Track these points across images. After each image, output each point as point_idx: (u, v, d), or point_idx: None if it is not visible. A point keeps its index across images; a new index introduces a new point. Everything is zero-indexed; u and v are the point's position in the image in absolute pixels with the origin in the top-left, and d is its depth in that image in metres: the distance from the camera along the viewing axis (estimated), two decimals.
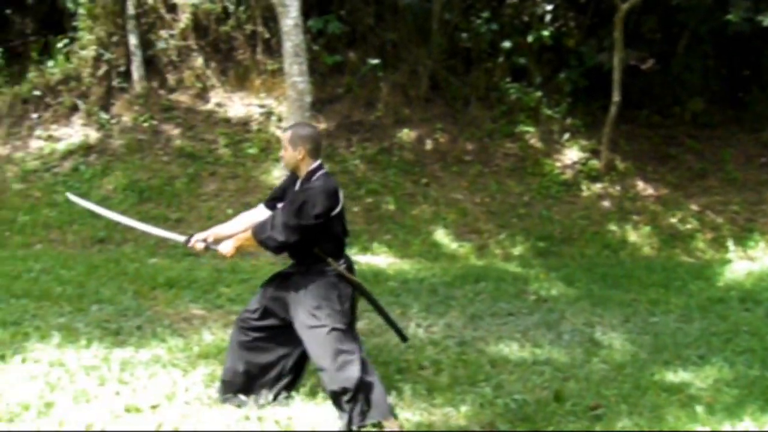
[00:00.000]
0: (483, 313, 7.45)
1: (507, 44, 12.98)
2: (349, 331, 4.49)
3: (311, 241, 4.47)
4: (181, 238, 4.98)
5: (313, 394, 4.91)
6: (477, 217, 11.13)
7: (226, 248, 4.64)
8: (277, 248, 4.49)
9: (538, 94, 13.13)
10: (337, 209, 4.51)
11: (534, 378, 5.56)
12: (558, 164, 12.46)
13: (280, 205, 4.61)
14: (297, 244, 4.47)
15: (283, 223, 4.39)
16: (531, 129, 12.83)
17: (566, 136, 12.84)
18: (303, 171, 4.58)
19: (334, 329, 4.39)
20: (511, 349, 6.27)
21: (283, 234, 4.39)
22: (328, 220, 4.47)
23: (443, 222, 10.89)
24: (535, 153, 12.57)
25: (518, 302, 7.99)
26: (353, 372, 4.32)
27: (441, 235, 10.62)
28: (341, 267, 4.56)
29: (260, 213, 4.81)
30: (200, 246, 4.83)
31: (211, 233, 4.89)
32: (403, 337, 5.05)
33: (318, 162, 4.60)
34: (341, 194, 4.57)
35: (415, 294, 8.05)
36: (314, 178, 4.53)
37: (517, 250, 10.52)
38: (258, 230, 4.51)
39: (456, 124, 12.75)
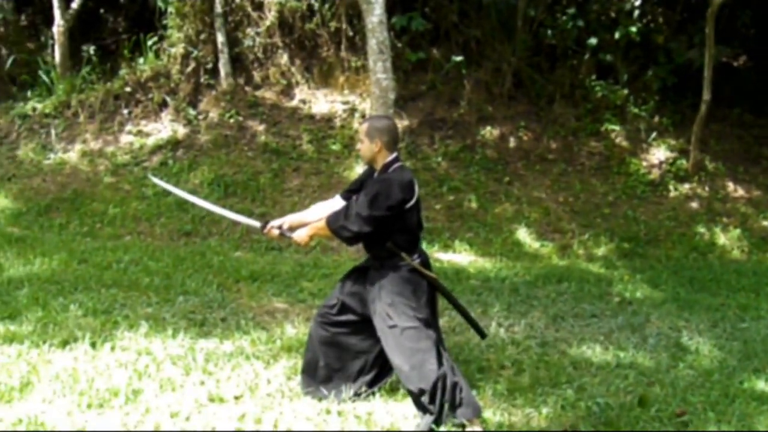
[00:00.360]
0: (565, 314, 7.34)
1: (593, 41, 12.73)
2: (424, 327, 4.44)
3: (385, 233, 4.47)
4: (257, 224, 5.04)
5: (393, 390, 4.92)
6: (560, 216, 10.98)
7: (300, 235, 4.68)
8: (350, 238, 4.50)
9: (625, 91, 12.86)
10: (412, 202, 4.49)
11: (617, 382, 5.46)
12: (644, 164, 12.19)
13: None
14: (370, 236, 4.47)
15: (356, 213, 4.41)
16: (617, 127, 12.58)
17: (653, 135, 12.54)
18: (379, 163, 4.59)
19: (406, 328, 4.38)
20: (594, 352, 6.17)
21: (356, 224, 4.40)
22: (402, 212, 4.45)
23: (526, 221, 10.77)
24: (620, 152, 12.32)
25: (602, 304, 7.84)
26: (429, 372, 4.30)
27: (523, 234, 10.51)
28: (415, 262, 4.55)
29: (336, 203, 4.83)
30: (275, 233, 4.86)
31: (287, 220, 4.92)
32: (482, 334, 5.02)
33: (394, 154, 4.59)
34: (416, 187, 4.54)
35: (496, 293, 7.97)
36: (390, 170, 4.54)
37: (600, 251, 10.33)
38: (332, 219, 4.54)
39: (540, 122, 12.60)
